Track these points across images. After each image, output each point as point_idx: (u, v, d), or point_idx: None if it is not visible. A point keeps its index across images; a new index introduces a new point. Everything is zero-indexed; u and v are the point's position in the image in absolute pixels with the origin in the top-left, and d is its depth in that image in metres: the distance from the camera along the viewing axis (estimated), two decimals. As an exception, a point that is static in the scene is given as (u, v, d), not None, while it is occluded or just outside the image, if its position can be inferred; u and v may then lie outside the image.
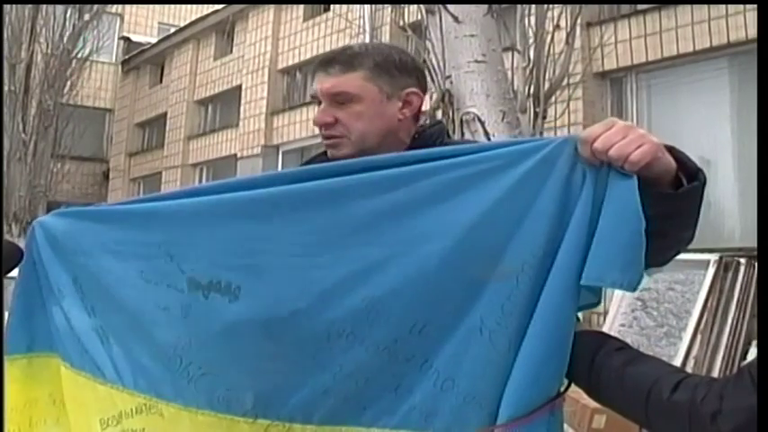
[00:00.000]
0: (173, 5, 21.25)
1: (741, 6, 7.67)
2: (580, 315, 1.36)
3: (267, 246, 1.38)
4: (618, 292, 6.97)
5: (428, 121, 1.65)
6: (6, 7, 15.35)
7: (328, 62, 1.54)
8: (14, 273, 1.65)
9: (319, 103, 1.55)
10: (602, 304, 7.28)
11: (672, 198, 1.27)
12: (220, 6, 16.60)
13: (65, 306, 1.60)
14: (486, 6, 4.84)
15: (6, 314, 1.68)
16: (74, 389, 1.59)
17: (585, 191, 1.27)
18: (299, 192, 1.39)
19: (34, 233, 1.67)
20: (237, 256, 1.40)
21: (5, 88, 15.35)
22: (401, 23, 7.24)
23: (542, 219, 1.29)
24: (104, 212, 1.62)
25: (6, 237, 1.62)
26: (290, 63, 14.77)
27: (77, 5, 16.36)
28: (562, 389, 1.30)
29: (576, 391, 1.33)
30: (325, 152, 1.59)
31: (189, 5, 20.26)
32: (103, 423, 1.52)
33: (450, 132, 4.62)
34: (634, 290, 1.25)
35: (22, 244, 1.69)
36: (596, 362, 1.27)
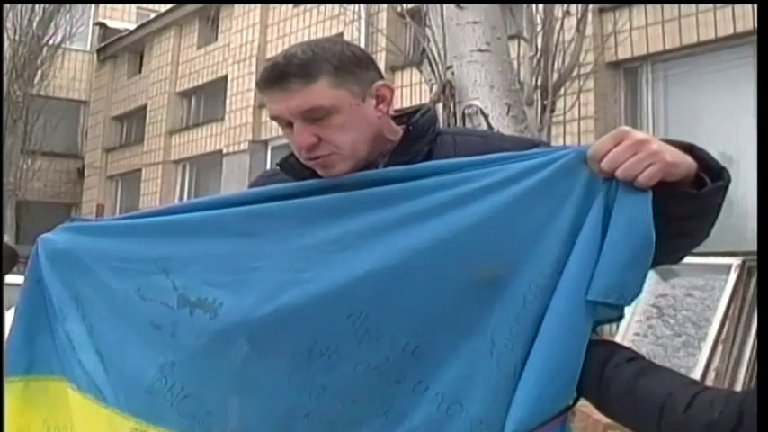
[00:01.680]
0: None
1: (766, -10, 7.67)
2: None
3: (256, 263, 1.41)
4: (633, 299, 6.96)
5: (418, 114, 1.63)
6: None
7: (281, 78, 1.45)
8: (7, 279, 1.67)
9: (289, 124, 1.47)
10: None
11: (694, 198, 1.29)
12: (204, -10, 16.59)
13: (67, 326, 1.63)
14: (490, -9, 4.85)
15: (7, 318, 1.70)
16: (82, 412, 1.61)
17: (596, 207, 1.29)
18: (291, 208, 1.42)
19: (37, 250, 1.69)
20: (227, 272, 1.43)
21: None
22: (399, 9, 7.26)
23: (550, 236, 1.31)
24: (105, 227, 1.68)
25: None
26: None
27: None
28: (571, 402, 1.32)
29: (586, 406, 1.34)
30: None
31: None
32: None
33: (452, 126, 4.63)
34: (628, 304, 1.29)
35: None
36: (606, 373, 1.28)
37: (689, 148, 1.30)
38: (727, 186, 1.32)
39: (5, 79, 15.85)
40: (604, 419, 4.10)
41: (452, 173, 1.37)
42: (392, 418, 1.35)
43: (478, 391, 1.32)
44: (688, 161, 1.29)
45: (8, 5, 15.96)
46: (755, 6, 7.71)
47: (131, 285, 1.52)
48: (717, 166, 1.32)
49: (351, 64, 1.48)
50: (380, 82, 1.52)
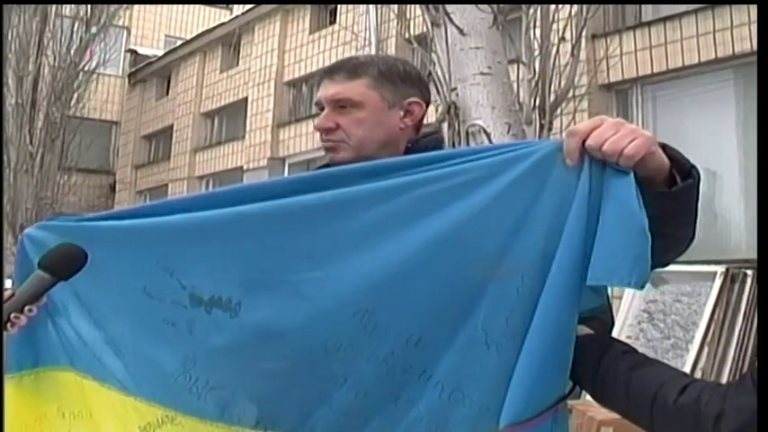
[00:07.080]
0: (179, 19, 21.35)
1: (746, 17, 7.68)
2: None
3: (264, 262, 1.39)
4: (624, 304, 6.95)
5: (420, 135, 1.64)
6: (14, 20, 15.44)
7: (334, 70, 1.58)
8: None
9: (323, 110, 1.58)
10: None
11: (667, 197, 1.27)
12: (227, 19, 16.68)
13: (73, 321, 1.59)
14: (491, 18, 4.87)
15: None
16: (102, 400, 1.58)
17: (580, 193, 1.26)
18: (292, 207, 1.38)
19: (24, 246, 1.64)
20: (236, 271, 1.40)
21: (12, 101, 15.44)
22: (407, 36, 7.27)
23: (538, 226, 1.28)
24: (92, 229, 1.55)
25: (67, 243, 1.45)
26: (296, 75, 14.81)
27: (84, 20, 16.43)
28: (565, 392, 1.31)
29: (582, 404, 1.34)
30: (326, 164, 1.59)
31: (195, 19, 20.36)
32: (142, 430, 1.52)
33: (456, 144, 4.64)
34: (642, 288, 1.23)
35: None
36: (602, 365, 1.28)
37: (661, 147, 1.29)
38: (698, 184, 1.30)
39: (44, 103, 15.96)
40: (599, 416, 4.07)
41: (442, 166, 1.34)
42: (401, 406, 1.35)
43: (478, 379, 1.31)
44: (662, 153, 1.27)
45: (49, 34, 16.10)
46: (738, 30, 7.71)
47: (135, 284, 1.46)
48: (687, 165, 1.29)
49: (395, 75, 1.56)
50: (414, 98, 1.57)
